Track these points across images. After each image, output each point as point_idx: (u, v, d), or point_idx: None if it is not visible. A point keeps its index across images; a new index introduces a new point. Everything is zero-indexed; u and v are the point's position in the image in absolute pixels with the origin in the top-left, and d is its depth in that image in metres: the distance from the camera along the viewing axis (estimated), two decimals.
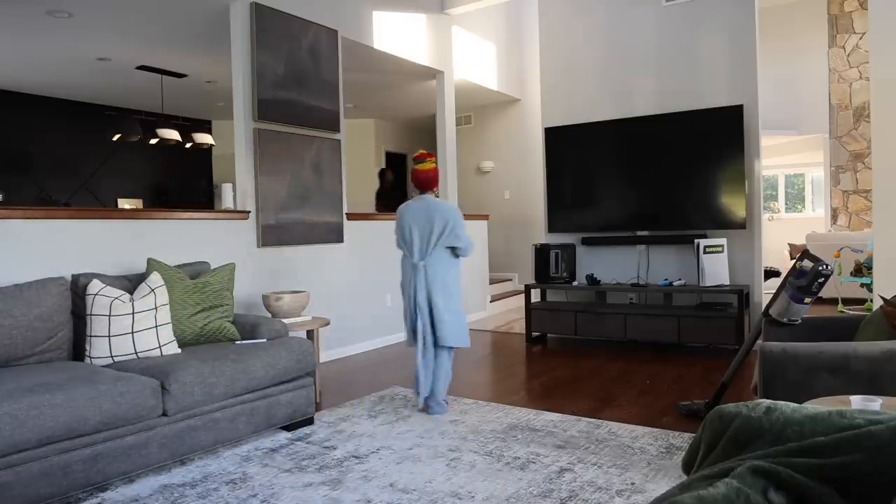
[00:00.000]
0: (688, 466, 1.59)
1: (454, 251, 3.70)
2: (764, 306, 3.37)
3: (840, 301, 6.71)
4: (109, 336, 2.99)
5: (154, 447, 2.68)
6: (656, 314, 5.22)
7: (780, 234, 8.99)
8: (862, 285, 6.49)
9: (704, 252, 5.19)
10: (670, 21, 5.66)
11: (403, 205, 3.78)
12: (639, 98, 5.83)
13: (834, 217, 8.68)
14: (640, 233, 5.71)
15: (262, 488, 2.64)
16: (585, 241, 6.01)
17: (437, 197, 3.86)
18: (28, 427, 2.27)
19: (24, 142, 7.78)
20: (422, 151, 3.84)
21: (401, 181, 10.76)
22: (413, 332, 3.66)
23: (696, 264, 5.27)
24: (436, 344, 3.65)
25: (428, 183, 3.75)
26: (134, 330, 3.04)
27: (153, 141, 7.48)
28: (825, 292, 4.64)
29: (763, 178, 5.69)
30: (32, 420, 2.28)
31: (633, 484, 2.59)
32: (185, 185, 9.47)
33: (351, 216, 5.51)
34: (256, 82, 4.61)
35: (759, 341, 2.71)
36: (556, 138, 6.15)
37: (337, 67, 5.34)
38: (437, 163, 3.88)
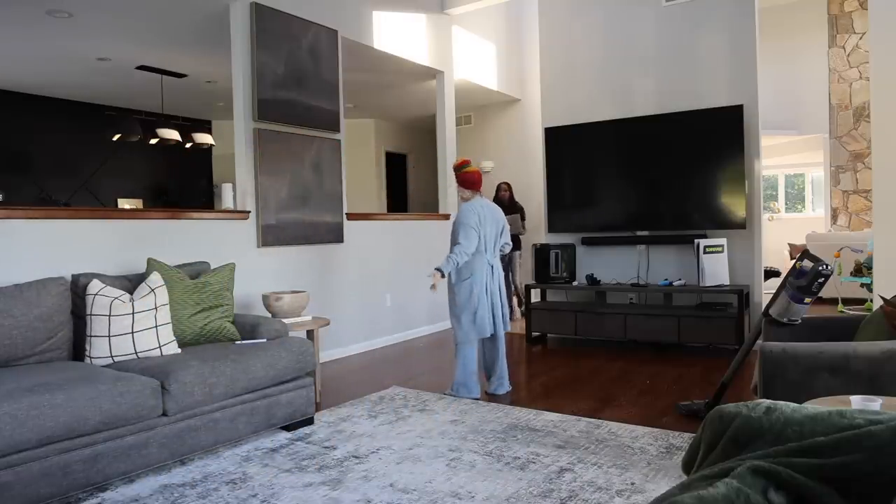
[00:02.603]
0: (688, 466, 1.59)
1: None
2: (764, 306, 3.37)
3: (840, 301, 6.71)
4: (109, 336, 2.99)
5: (154, 447, 2.68)
6: (656, 314, 5.22)
7: (780, 234, 8.99)
8: (862, 285, 6.49)
9: (704, 252, 5.19)
10: (670, 21, 5.66)
11: (472, 205, 4.04)
12: (639, 98, 5.83)
13: (834, 217, 8.68)
14: (639, 233, 5.71)
15: (262, 488, 2.64)
16: (585, 241, 6.01)
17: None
18: (28, 427, 2.27)
19: (24, 142, 7.78)
20: (463, 159, 4.25)
21: (401, 181, 10.76)
22: (491, 323, 4.04)
23: (696, 264, 5.27)
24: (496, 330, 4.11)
25: (479, 183, 4.13)
26: (134, 330, 3.04)
27: (153, 141, 7.48)
28: (825, 292, 4.64)
29: (763, 178, 5.69)
30: (32, 420, 2.28)
31: (633, 484, 2.59)
32: (185, 185, 9.46)
33: (351, 216, 5.51)
34: (256, 82, 4.61)
35: (759, 341, 2.71)
36: (556, 138, 6.15)
37: (337, 67, 5.34)
38: None
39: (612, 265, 5.96)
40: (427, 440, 3.19)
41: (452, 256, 3.85)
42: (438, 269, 3.84)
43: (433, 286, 3.89)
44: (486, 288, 4.00)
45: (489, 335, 4.06)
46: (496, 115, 9.20)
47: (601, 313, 5.46)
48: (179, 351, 3.17)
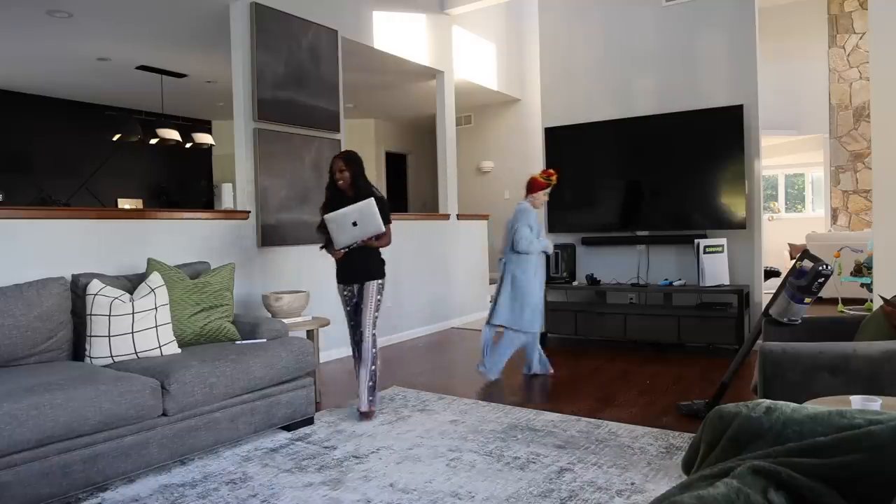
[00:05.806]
0: (688, 466, 1.59)
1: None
2: (764, 306, 3.37)
3: (840, 301, 6.71)
4: (109, 336, 2.99)
5: (154, 447, 2.68)
6: (656, 314, 5.22)
7: (780, 234, 8.99)
8: (862, 285, 6.49)
9: (704, 252, 5.19)
10: (670, 21, 5.66)
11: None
12: (639, 98, 5.82)
13: (834, 217, 8.68)
14: (640, 233, 5.71)
15: (262, 488, 2.64)
16: (585, 241, 6.00)
17: (524, 201, 4.64)
18: (28, 427, 2.27)
19: (24, 142, 7.79)
20: (545, 169, 4.74)
21: (401, 181, 10.76)
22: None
23: (696, 264, 5.27)
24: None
25: (528, 188, 4.63)
26: (134, 330, 3.04)
27: (153, 141, 7.48)
28: (825, 292, 4.63)
29: (763, 178, 5.69)
30: (32, 420, 2.28)
31: (633, 484, 2.59)
32: (185, 185, 9.47)
33: None
34: (256, 82, 4.61)
35: (759, 341, 2.71)
36: (556, 138, 6.15)
37: (337, 67, 5.34)
38: (547, 177, 4.63)
39: (612, 265, 5.96)
40: (427, 440, 3.19)
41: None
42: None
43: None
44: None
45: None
46: (496, 115, 9.20)
47: (601, 313, 5.46)
48: (179, 351, 3.17)
